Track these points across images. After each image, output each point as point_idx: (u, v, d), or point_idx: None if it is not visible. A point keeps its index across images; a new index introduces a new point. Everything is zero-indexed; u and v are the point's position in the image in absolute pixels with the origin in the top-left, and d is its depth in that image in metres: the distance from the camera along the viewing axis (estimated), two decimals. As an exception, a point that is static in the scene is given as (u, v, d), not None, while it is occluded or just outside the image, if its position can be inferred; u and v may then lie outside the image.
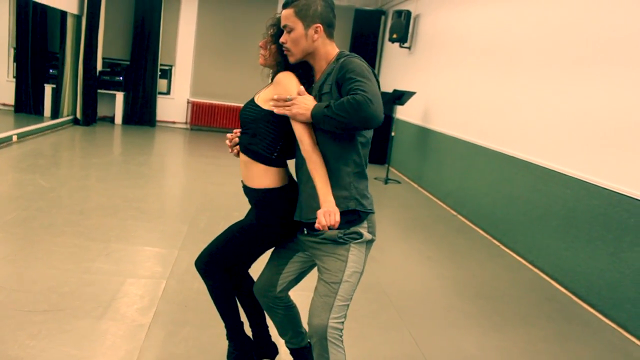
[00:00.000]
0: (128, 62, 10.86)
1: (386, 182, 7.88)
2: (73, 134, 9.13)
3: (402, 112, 8.90)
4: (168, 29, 10.98)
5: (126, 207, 5.17)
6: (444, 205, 6.84)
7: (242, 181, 2.37)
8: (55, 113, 10.00)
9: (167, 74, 11.23)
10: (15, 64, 10.42)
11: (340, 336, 2.05)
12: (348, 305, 2.08)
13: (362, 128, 1.88)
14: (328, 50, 2.09)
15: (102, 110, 10.91)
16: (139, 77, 10.82)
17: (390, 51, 10.42)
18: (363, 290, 3.79)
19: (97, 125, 10.45)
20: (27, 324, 2.86)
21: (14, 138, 7.68)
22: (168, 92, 11.29)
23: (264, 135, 2.23)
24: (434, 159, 7.46)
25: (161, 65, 11.03)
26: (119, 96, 10.77)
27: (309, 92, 2.10)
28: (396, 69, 9.97)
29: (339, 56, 2.06)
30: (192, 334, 2.97)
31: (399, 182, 8.12)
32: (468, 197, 6.23)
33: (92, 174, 6.41)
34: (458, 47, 7.02)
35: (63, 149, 7.92)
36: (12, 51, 10.49)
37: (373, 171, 8.70)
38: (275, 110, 2.08)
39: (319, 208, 1.98)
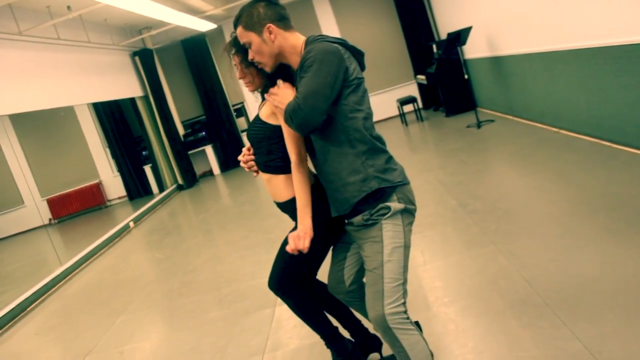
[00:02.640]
0: (204, 117, 11.35)
1: (479, 126, 7.48)
2: (181, 200, 9.67)
3: (470, 51, 8.44)
4: (226, 71, 11.33)
5: (233, 249, 5.35)
6: (543, 126, 6.34)
7: (274, 201, 2.33)
8: (161, 187, 10.66)
9: (242, 111, 11.57)
10: (114, 160, 11.30)
11: (406, 318, 1.93)
12: (402, 284, 1.95)
13: (303, 133, 1.87)
14: (292, 42, 2.01)
15: (199, 168, 11.47)
16: (218, 125, 11.27)
17: (437, -4, 9.97)
18: (478, 256, 3.59)
19: (200, 183, 11.00)
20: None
21: (131, 224, 8.26)
22: (249, 128, 11.62)
23: (278, 149, 2.20)
24: (516, 83, 6.96)
25: (233, 105, 11.40)
26: (209, 149, 11.27)
27: None
28: (448, 11, 9.50)
29: (306, 44, 1.98)
30: (305, 353, 2.96)
31: (493, 121, 7.67)
32: (562, 108, 5.73)
33: (202, 230, 6.71)
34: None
35: (174, 216, 8.40)
36: (107, 151, 11.38)
37: (464, 120, 8.31)
38: (266, 96, 2.06)
39: (343, 200, 1.99)
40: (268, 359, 2.99)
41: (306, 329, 3.18)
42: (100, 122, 11.11)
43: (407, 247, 1.98)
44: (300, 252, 2.21)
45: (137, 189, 11.17)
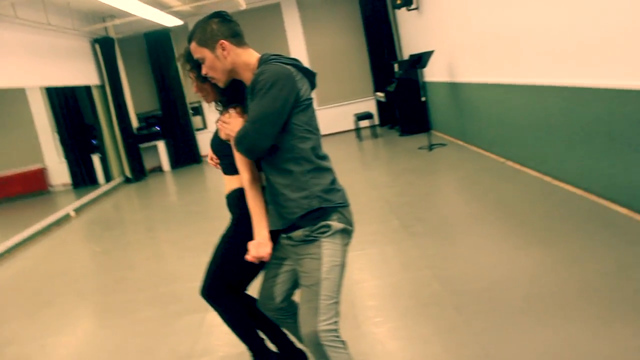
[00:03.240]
0: (160, 112, 11.18)
1: (430, 149, 7.63)
2: (127, 193, 9.47)
3: (430, 74, 8.61)
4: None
5: (173, 249, 5.28)
6: (492, 155, 6.52)
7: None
8: (107, 178, 10.43)
9: (199, 110, 11.46)
10: (62, 146, 10.98)
11: (337, 337, 1.94)
12: (336, 302, 1.97)
13: (253, 158, 1.97)
14: (245, 59, 2.02)
15: (149, 162, 11.27)
16: (173, 121, 11.11)
17: (402, 17, 10.15)
18: (404, 266, 3.65)
19: (148, 177, 10.81)
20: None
21: (72, 213, 8.04)
22: (204, 127, 11.52)
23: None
24: (470, 111, 7.14)
25: (190, 104, 11.28)
26: (161, 145, 11.10)
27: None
28: (412, 33, 9.68)
29: (259, 64, 1.99)
30: None
31: (444, 145, 7.83)
32: (510, 140, 5.90)
33: (144, 226, 6.60)
34: (458, -8, 6.70)
35: (117, 209, 8.22)
36: (55, 136, 11.05)
37: (417, 141, 8.45)
38: (218, 125, 2.14)
39: (282, 214, 2.01)
40: None
41: (235, 338, 3.15)
42: (51, 106, 10.77)
43: (343, 266, 2.01)
44: (236, 251, 2.22)
45: (82, 178, 10.87)
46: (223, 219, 6.24)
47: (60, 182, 11.19)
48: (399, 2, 8.86)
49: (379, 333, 2.94)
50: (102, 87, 10.23)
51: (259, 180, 2.12)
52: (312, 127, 1.99)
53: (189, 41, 2.04)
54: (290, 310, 2.34)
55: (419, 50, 8.80)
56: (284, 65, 1.93)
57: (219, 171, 2.33)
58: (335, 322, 1.96)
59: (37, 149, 11.19)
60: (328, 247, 1.97)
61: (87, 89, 10.08)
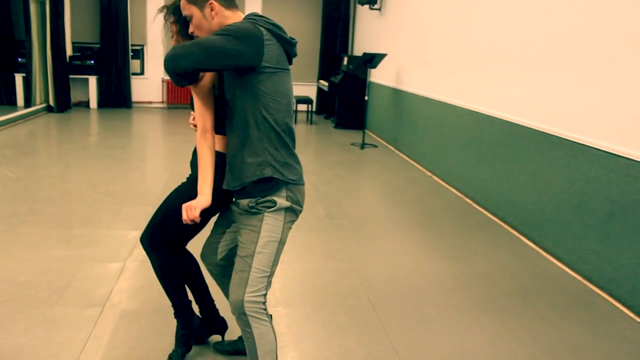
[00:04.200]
0: (98, 45, 10.70)
1: (362, 147, 7.83)
2: (47, 122, 9.03)
3: (376, 76, 8.79)
4: (136, 10, 10.79)
5: (92, 191, 5.12)
6: (420, 167, 6.80)
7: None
8: (28, 102, 9.87)
9: (139, 54, 11.06)
10: (-17, 55, 10.26)
11: (263, 309, 2.02)
12: (267, 276, 2.03)
13: (168, 70, 1.90)
14: (231, 21, 2.02)
15: (76, 96, 10.78)
16: (110, 59, 10.67)
17: (362, 14, 10.25)
18: (325, 258, 3.78)
19: (72, 111, 10.33)
20: (-23, 317, 2.83)
21: (-16, 130, 7.58)
22: (142, 73, 11.15)
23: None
24: (408, 120, 7.39)
25: (132, 45, 10.87)
26: (92, 80, 10.63)
27: None
28: (368, 32, 9.82)
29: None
30: (145, 317, 2.95)
31: (376, 146, 8.06)
32: (441, 157, 6.19)
33: (62, 161, 6.34)
34: (426, 6, 6.89)
35: (35, 137, 7.83)
36: (-22, 43, 10.31)
37: (350, 136, 8.63)
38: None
39: (236, 176, 2.03)
40: (107, 314, 2.94)
41: (152, 294, 3.17)
42: (-20, 11, 10.05)
43: (282, 243, 2.07)
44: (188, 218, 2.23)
45: (0, 95, 10.23)
46: (144, 168, 6.16)
47: (-27, 93, 10.47)
48: (364, -2, 8.97)
49: (294, 315, 3.04)
50: (42, 4, 9.63)
51: (212, 133, 2.11)
52: (280, 96, 1.98)
53: None
54: (228, 270, 2.39)
55: (371, 50, 8.97)
56: (259, 26, 1.93)
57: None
58: (263, 295, 2.03)
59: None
60: (268, 222, 2.02)
61: (25, 1, 9.45)
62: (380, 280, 3.55)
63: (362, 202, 5.32)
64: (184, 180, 2.37)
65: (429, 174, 6.45)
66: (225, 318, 2.71)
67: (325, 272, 3.63)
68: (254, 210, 2.01)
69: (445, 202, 5.38)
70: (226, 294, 2.49)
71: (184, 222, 2.03)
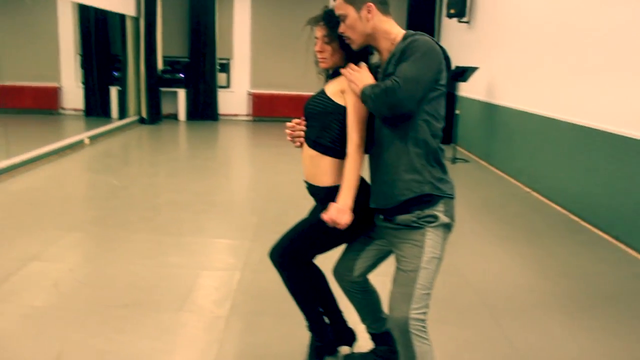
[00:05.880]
0: (187, 59, 11.06)
1: (454, 162, 7.68)
2: (140, 133, 9.38)
3: (466, 89, 8.63)
4: (223, 24, 11.09)
5: (196, 201, 5.25)
6: (517, 183, 6.59)
7: (305, 181, 2.32)
8: (122, 114, 10.31)
9: (225, 67, 11.36)
10: (82, 70, 10.82)
11: (424, 327, 1.96)
12: (429, 294, 1.99)
13: (390, 115, 1.88)
14: (386, 28, 2.02)
15: (166, 108, 11.16)
16: (198, 72, 11.00)
17: (449, 27, 10.12)
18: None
19: (162, 122, 10.70)
20: (112, 319, 2.92)
21: (86, 141, 7.94)
22: (228, 86, 11.43)
23: (334, 128, 2.19)
24: (503, 135, 7.19)
25: (219, 59, 11.17)
26: (181, 93, 11.00)
27: (377, 75, 2.07)
28: (455, 45, 9.67)
29: (406, 36, 1.98)
30: (270, 324, 2.96)
31: (467, 161, 7.89)
32: (542, 172, 5.97)
33: (161, 171, 6.56)
34: (520, 18, 6.71)
35: (132, 148, 8.15)
36: (78, 58, 10.89)
37: (438, 151, 8.49)
38: (342, 70, 2.09)
39: (391, 194, 2.00)
40: (231, 320, 2.97)
41: (273, 300, 3.17)
42: (81, 27, 10.60)
43: (440, 260, 2.03)
44: (321, 238, 2.24)
45: (96, 107, 10.75)
46: (243, 180, 6.27)
47: (72, 106, 11.05)
48: (452, 11, 8.85)
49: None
50: (136, 20, 10.07)
51: (363, 147, 2.10)
52: (438, 115, 1.99)
53: None
54: (363, 286, 2.37)
55: (459, 63, 8.81)
56: (437, 45, 1.94)
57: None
58: (425, 313, 1.98)
59: (55, 67, 11.01)
60: (431, 238, 1.99)
61: (121, 18, 9.93)
62: (497, 295, 3.42)
63: (463, 217, 5.18)
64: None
65: (528, 189, 6.23)
66: (353, 329, 2.66)
67: (439, 286, 3.54)
68: (415, 224, 1.97)
69: (549, 218, 5.17)
70: (359, 310, 2.47)
71: (327, 220, 2.01)
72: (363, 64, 2.09)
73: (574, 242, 4.53)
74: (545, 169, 5.88)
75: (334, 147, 2.19)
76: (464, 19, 8.91)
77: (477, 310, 3.23)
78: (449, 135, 9.03)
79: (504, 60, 7.24)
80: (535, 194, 6.04)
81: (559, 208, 5.47)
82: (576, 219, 5.12)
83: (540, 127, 6.04)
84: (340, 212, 2.03)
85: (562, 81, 5.58)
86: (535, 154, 6.16)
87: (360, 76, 2.00)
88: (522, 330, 3.02)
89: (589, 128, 4.98)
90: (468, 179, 6.90)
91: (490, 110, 7.66)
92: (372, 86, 1.92)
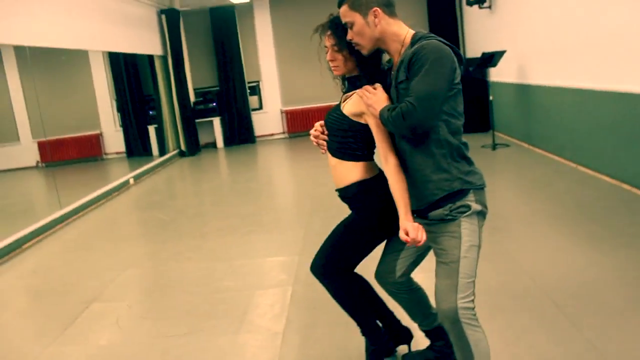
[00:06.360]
0: (217, 88, 11.27)
1: (494, 148, 7.56)
2: (181, 166, 9.60)
3: (496, 74, 8.50)
4: (247, 47, 11.26)
5: (243, 223, 5.33)
6: (561, 159, 6.43)
7: (336, 190, 2.35)
8: (162, 150, 10.58)
9: (256, 90, 11.52)
10: (119, 114, 11.18)
11: (474, 315, 1.96)
12: (474, 281, 1.98)
13: (411, 134, 1.92)
14: (394, 30, 2.02)
15: (203, 138, 11.38)
16: (230, 99, 11.19)
17: (471, 15, 10.01)
18: (489, 261, 3.63)
19: (201, 152, 10.92)
20: (173, 349, 3.00)
21: (131, 181, 8.18)
22: (260, 107, 11.58)
23: (353, 142, 2.23)
24: (539, 114, 7.04)
25: (248, 83, 11.34)
26: (216, 121, 11.21)
27: (388, 81, 2.10)
28: (480, 31, 9.56)
29: (414, 40, 1.97)
30: (325, 335, 2.98)
31: (508, 145, 7.75)
32: (585, 145, 5.81)
33: (206, 200, 6.69)
34: (542, -8, 6.59)
35: (175, 181, 8.35)
36: (114, 103, 11.25)
37: (478, 139, 8.36)
38: (358, 93, 2.09)
39: (422, 196, 2.01)
40: (288, 337, 3.00)
41: (326, 312, 3.19)
42: (112, 73, 10.97)
43: (479, 247, 2.02)
44: (357, 240, 2.27)
45: (137, 147, 11.06)
46: (286, 197, 6.34)
47: (115, 150, 11.39)
48: (472, -2, 8.76)
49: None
50: (164, 58, 10.35)
51: (394, 156, 2.09)
52: (457, 112, 1.99)
53: (340, 4, 2.03)
54: (407, 285, 2.37)
55: (486, 49, 8.68)
56: (443, 44, 1.92)
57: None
58: (472, 300, 1.97)
59: (94, 116, 11.39)
60: (466, 227, 1.98)
61: (150, 59, 10.21)
62: (554, 277, 3.35)
63: (512, 201, 5.10)
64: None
65: (574, 165, 6.07)
66: (408, 327, 2.65)
67: (493, 274, 3.49)
68: (449, 217, 1.97)
69: (599, 191, 5.02)
70: (407, 310, 2.47)
71: (405, 240, 2.00)
72: (378, 85, 2.08)
73: (629, 212, 4.39)
74: (588, 142, 5.72)
75: (356, 154, 2.24)
76: (485, 5, 8.79)
77: (533, 295, 3.17)
78: (486, 122, 8.90)
79: (531, 39, 7.11)
80: (582, 167, 5.88)
81: (608, 179, 5.31)
82: (629, 187, 4.95)
83: (577, 100, 5.89)
84: (415, 229, 1.99)
85: (594, 51, 5.43)
86: (575, 128, 6.00)
87: (376, 99, 2.01)
88: (583, 310, 2.94)
89: (628, 94, 4.82)
90: (511, 163, 6.78)
91: (524, 91, 7.51)
92: (389, 109, 1.92)
